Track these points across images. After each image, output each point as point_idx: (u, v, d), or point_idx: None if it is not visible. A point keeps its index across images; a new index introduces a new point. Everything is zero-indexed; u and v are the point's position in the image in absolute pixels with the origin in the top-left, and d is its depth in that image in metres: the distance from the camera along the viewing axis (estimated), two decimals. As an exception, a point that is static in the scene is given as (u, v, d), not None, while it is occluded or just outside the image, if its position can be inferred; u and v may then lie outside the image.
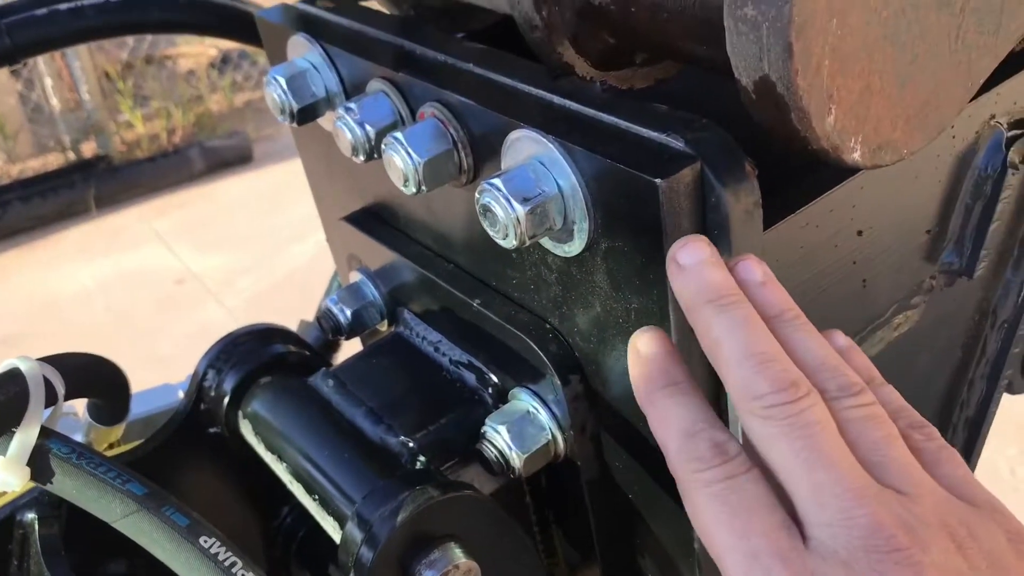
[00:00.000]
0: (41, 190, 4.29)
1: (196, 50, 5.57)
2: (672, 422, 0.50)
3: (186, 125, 4.92)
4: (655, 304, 0.58)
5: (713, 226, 0.55)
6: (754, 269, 0.52)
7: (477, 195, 0.60)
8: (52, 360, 0.68)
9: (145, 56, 5.37)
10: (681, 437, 0.49)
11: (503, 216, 0.59)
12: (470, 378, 0.79)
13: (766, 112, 0.50)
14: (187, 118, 4.94)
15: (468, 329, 0.77)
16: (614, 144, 0.56)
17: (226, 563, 0.61)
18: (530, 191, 0.58)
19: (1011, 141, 0.71)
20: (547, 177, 0.59)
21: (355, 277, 0.90)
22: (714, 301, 0.49)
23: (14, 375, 0.64)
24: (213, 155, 4.58)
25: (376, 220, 0.87)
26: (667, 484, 0.67)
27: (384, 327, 0.90)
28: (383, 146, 0.68)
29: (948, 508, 0.46)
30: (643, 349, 0.54)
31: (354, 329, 0.88)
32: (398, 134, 0.66)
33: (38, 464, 0.63)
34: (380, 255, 0.85)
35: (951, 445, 0.90)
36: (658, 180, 0.52)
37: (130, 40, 5.34)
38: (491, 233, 0.61)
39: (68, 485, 0.63)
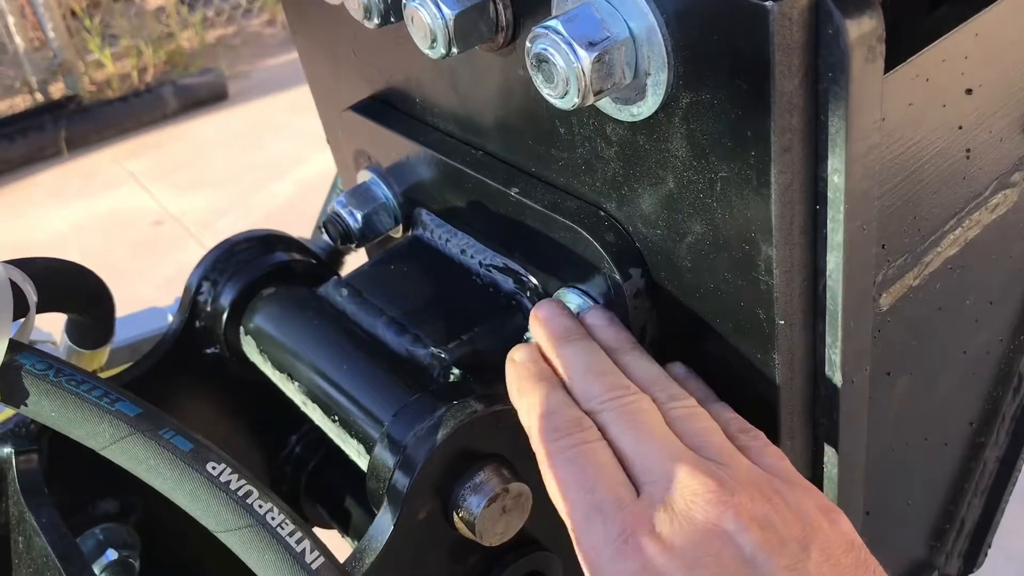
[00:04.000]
0: (9, 132, 4.12)
1: (164, -14, 5.35)
2: (538, 406, 0.56)
3: (157, 63, 4.73)
4: (751, 169, 0.48)
5: (827, 67, 0.45)
6: (601, 315, 0.62)
7: (529, 44, 0.50)
8: (21, 264, 0.57)
9: (111, -8, 5.16)
10: (545, 416, 0.56)
11: (564, 67, 0.48)
12: (505, 282, 0.69)
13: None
14: (158, 56, 4.76)
15: (502, 225, 0.67)
16: (703, -31, 0.46)
17: (239, 492, 0.51)
18: (596, 35, 0.48)
19: None
20: (615, 18, 0.48)
21: (364, 177, 0.80)
22: (564, 337, 0.60)
23: (-26, 278, 0.53)
24: (187, 93, 4.41)
25: (388, 108, 0.76)
26: (736, 384, 0.59)
27: (398, 233, 0.80)
28: (404, 1, 0.57)
29: (760, 477, 0.53)
30: (516, 357, 0.60)
31: (365, 235, 0.78)
32: (424, -17, 0.56)
33: (9, 383, 0.53)
34: (394, 147, 0.75)
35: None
36: (769, 3, 0.42)
37: (95, -24, 5.12)
38: (545, 92, 0.51)
39: (46, 407, 0.53)
